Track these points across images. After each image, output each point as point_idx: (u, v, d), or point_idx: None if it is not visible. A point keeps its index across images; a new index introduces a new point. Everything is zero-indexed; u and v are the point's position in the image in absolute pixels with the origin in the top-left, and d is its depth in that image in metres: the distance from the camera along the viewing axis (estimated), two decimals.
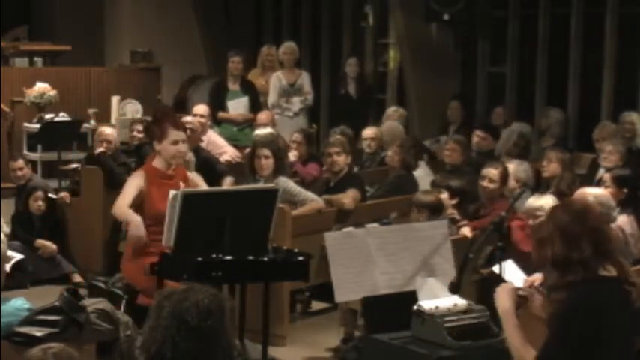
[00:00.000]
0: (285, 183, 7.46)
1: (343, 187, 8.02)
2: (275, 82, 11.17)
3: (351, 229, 6.37)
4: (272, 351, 6.58)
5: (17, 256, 8.50)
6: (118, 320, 5.81)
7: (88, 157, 9.48)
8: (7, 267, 8.00)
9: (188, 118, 9.06)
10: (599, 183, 7.68)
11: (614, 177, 7.40)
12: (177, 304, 3.22)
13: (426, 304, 4.93)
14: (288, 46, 11.48)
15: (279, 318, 7.13)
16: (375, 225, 7.03)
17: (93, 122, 12.27)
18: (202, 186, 6.63)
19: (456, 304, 4.98)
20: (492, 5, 12.07)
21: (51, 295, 6.24)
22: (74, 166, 10.03)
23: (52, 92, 12.09)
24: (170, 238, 5.85)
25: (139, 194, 6.28)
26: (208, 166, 8.42)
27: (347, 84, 12.26)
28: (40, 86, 12.09)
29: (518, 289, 3.96)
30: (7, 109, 12.20)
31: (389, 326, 5.02)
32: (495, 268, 5.60)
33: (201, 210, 5.85)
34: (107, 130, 9.53)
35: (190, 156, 7.87)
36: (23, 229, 8.87)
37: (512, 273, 5.66)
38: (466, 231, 7.14)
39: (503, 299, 3.82)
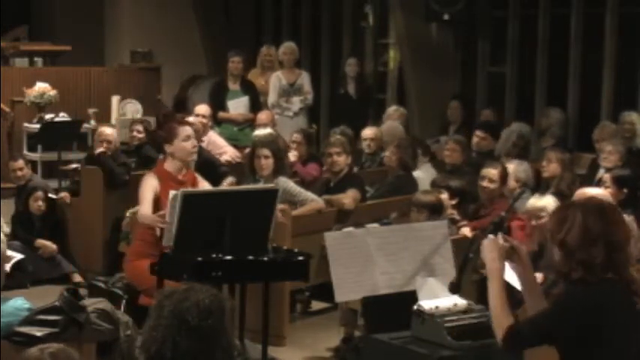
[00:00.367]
0: (285, 183, 7.46)
1: (343, 187, 8.03)
2: (275, 82, 11.16)
3: (351, 229, 6.35)
4: (272, 351, 6.59)
5: (17, 256, 8.50)
6: (118, 320, 5.82)
7: (88, 157, 9.49)
8: (7, 267, 8.01)
9: (190, 119, 9.08)
10: (599, 183, 7.68)
11: (614, 177, 7.40)
12: (178, 304, 3.22)
13: (426, 304, 4.92)
14: (288, 46, 11.47)
15: (279, 318, 7.12)
16: (375, 225, 7.02)
17: (93, 122, 12.25)
18: None
19: (456, 304, 4.98)
20: (492, 5, 12.05)
21: (51, 295, 6.25)
22: (74, 166, 10.03)
23: (52, 92, 12.07)
24: (170, 238, 5.86)
25: (154, 195, 6.37)
26: (210, 167, 8.42)
27: (347, 84, 12.24)
28: (40, 86, 12.08)
29: (507, 243, 3.81)
30: (7, 109, 12.18)
31: (389, 326, 5.02)
32: None
33: (201, 210, 5.85)
34: (107, 130, 9.53)
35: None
36: (23, 229, 8.87)
37: (511, 273, 5.65)
38: (466, 231, 7.13)
39: (492, 258, 3.72)
